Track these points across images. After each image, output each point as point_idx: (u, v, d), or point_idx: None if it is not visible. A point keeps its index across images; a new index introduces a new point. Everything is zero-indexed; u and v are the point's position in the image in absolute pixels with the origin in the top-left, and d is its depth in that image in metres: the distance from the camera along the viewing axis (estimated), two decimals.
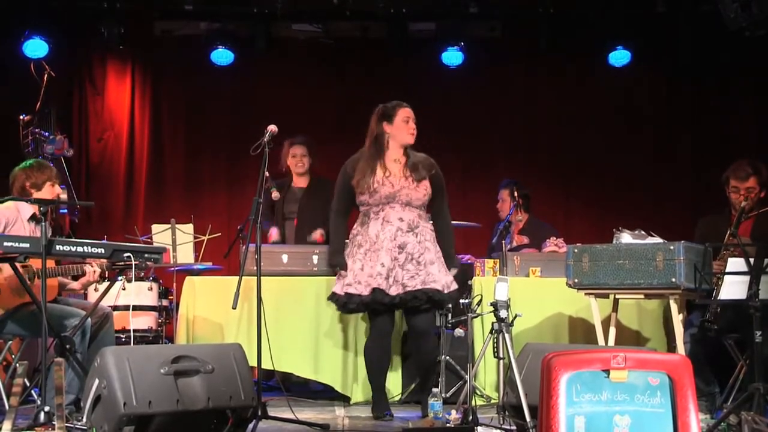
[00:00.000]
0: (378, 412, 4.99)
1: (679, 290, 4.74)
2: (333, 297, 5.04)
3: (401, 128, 5.01)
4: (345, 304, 4.96)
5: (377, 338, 5.03)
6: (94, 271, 4.88)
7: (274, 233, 6.28)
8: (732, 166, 5.38)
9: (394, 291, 4.83)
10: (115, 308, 5.53)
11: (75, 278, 5.04)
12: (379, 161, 4.99)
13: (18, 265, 4.39)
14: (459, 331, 5.34)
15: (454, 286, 4.96)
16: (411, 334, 5.11)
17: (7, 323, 4.81)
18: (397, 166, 5.01)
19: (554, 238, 5.95)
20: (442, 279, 4.90)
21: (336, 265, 5.03)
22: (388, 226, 4.91)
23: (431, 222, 5.09)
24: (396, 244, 4.88)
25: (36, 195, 4.91)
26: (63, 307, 4.87)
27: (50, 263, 4.63)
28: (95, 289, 5.84)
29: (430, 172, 5.03)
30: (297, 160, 6.41)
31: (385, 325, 5.00)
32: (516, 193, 6.01)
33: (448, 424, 4.44)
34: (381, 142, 5.02)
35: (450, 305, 4.99)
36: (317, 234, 6.18)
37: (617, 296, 5.10)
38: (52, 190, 4.99)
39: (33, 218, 4.96)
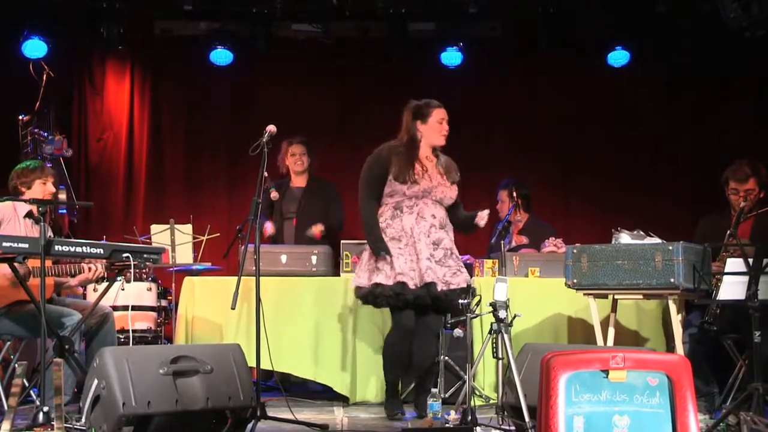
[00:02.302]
0: (391, 410, 4.99)
1: (678, 290, 4.74)
2: (375, 288, 4.86)
3: (435, 129, 5.03)
4: (398, 294, 4.81)
5: (402, 336, 4.96)
6: (90, 269, 4.88)
7: (269, 227, 6.27)
8: (731, 167, 5.38)
9: (440, 287, 4.83)
10: (114, 308, 5.54)
11: (72, 276, 5.04)
12: (414, 157, 5.00)
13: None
14: (458, 332, 5.35)
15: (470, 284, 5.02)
16: (421, 332, 5.00)
17: (3, 322, 4.82)
18: (430, 163, 5.03)
19: (553, 239, 5.94)
20: (468, 278, 5.00)
21: (382, 251, 4.86)
22: (422, 221, 4.90)
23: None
24: (431, 240, 4.88)
25: (27, 193, 5.02)
26: (60, 307, 4.88)
27: (46, 262, 4.62)
28: (94, 290, 5.84)
29: (457, 177, 5.10)
30: (296, 159, 6.41)
31: (410, 323, 4.92)
32: (515, 194, 6.01)
33: (447, 425, 4.44)
34: (415, 140, 5.03)
35: None
36: (317, 229, 6.16)
37: (616, 296, 5.10)
38: (43, 188, 5.05)
39: (29, 215, 5.01)
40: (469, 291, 4.88)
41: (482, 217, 5.07)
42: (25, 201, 4.92)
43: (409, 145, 5.01)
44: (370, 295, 4.91)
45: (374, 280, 4.88)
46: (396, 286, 4.82)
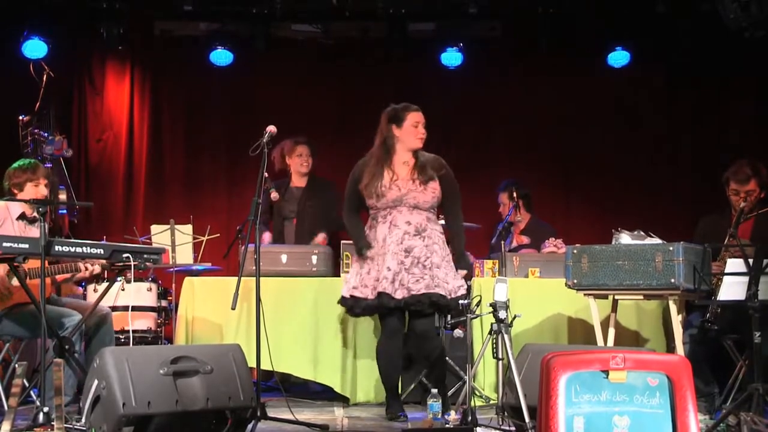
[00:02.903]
0: (392, 413, 4.98)
1: (678, 291, 4.74)
2: (341, 300, 5.07)
3: (410, 132, 4.99)
4: (351, 307, 5.00)
5: (388, 338, 5.01)
6: (86, 267, 4.88)
7: (266, 238, 6.26)
8: (732, 168, 5.37)
9: (399, 295, 4.83)
10: (114, 309, 5.55)
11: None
12: (386, 164, 4.98)
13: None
14: (458, 332, 5.36)
15: (462, 291, 4.93)
16: (412, 336, 5.08)
17: (4, 323, 4.82)
18: (406, 168, 4.99)
19: (553, 239, 5.94)
20: (450, 283, 4.90)
21: (363, 247, 4.96)
22: (395, 230, 4.90)
23: (442, 224, 5.10)
24: (402, 248, 4.87)
25: (19, 195, 5.00)
26: (60, 308, 4.88)
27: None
28: (94, 290, 5.84)
29: (440, 172, 5.01)
30: (303, 160, 6.41)
31: (395, 325, 4.97)
32: (515, 194, 6.00)
33: (447, 425, 4.44)
34: (389, 145, 5.00)
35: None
36: (320, 238, 6.20)
37: (616, 297, 5.10)
38: (35, 191, 5.03)
39: (23, 217, 5.00)
40: (435, 296, 4.80)
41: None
42: (26, 201, 4.91)
43: (382, 153, 5.00)
44: (346, 307, 5.10)
45: (342, 292, 5.05)
46: (349, 300, 4.98)
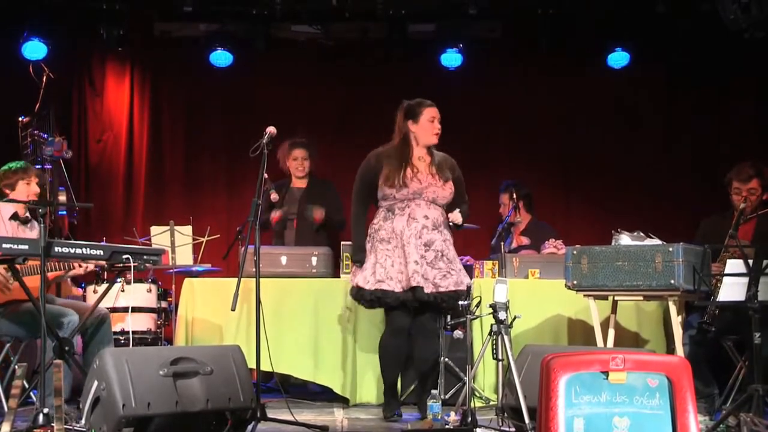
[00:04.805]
0: (388, 412, 4.99)
1: (678, 292, 4.74)
2: (358, 292, 4.94)
3: (426, 128, 5.02)
4: (379, 299, 4.88)
5: (395, 335, 4.99)
6: (80, 265, 4.88)
7: (276, 214, 6.25)
8: (735, 168, 5.40)
9: (427, 289, 4.83)
10: (114, 310, 5.54)
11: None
12: (406, 158, 4.99)
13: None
14: (458, 333, 5.35)
15: (469, 285, 4.99)
16: (418, 333, 5.05)
17: (1, 322, 4.82)
18: (423, 164, 5.02)
19: (553, 240, 5.94)
20: (464, 279, 4.97)
21: (358, 261, 4.97)
22: (413, 222, 4.90)
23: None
24: (422, 241, 4.87)
25: (11, 195, 5.00)
26: (59, 307, 4.88)
27: (36, 261, 4.59)
28: (94, 291, 5.84)
29: (454, 174, 5.06)
30: (298, 164, 6.39)
31: (402, 321, 4.95)
32: (515, 195, 6.00)
33: (447, 426, 4.44)
34: (408, 141, 5.02)
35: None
36: (318, 213, 6.17)
37: (616, 298, 5.10)
38: (27, 189, 5.04)
39: (15, 217, 5.00)
40: (462, 294, 4.84)
41: (453, 217, 5.04)
42: (25, 203, 4.91)
43: (402, 147, 5.01)
44: (356, 296, 5.01)
45: (355, 281, 4.97)
46: (376, 292, 4.88)
